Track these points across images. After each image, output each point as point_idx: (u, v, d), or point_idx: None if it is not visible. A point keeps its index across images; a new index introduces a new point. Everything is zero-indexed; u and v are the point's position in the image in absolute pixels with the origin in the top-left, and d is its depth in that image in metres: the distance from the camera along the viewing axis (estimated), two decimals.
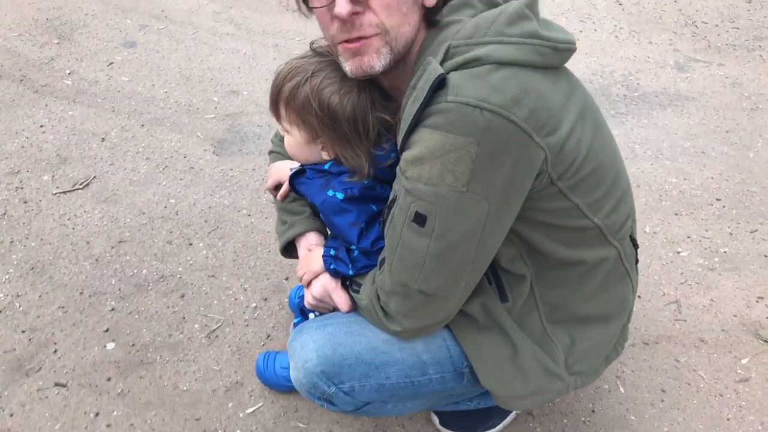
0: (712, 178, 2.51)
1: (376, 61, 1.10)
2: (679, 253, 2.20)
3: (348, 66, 1.13)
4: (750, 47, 3.30)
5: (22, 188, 2.46)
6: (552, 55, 1.06)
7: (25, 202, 2.40)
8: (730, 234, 2.27)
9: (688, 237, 2.26)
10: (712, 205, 2.39)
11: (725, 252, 2.20)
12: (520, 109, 0.99)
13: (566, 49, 1.08)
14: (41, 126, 2.77)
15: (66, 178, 2.50)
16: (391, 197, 1.15)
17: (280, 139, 1.56)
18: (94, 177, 2.51)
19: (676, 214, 2.35)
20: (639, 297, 2.03)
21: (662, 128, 2.78)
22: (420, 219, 1.06)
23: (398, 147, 1.14)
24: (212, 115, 2.85)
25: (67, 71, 3.10)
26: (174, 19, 3.52)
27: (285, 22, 3.51)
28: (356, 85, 1.22)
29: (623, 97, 2.96)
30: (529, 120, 0.99)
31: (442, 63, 1.04)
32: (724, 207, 2.38)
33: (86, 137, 2.71)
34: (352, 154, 1.25)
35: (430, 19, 1.14)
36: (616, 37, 3.38)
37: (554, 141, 1.03)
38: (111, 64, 3.16)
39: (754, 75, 3.10)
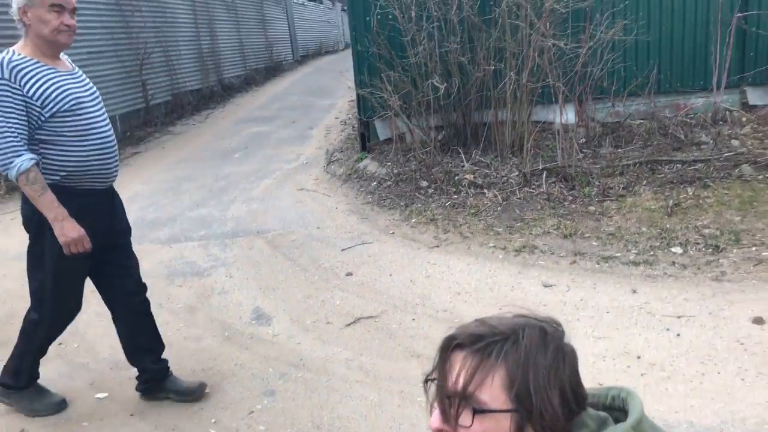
0: None
1: None
2: None
3: None
4: None
5: None
6: None
7: None
8: None
9: None
10: None
11: None
12: None
13: None
14: None
15: None
16: None
17: None
18: None
19: None
20: None
21: None
22: None
23: None
24: None
25: (213, 420, 3.43)
26: (310, 367, 3.89)
27: (410, 368, 3.77)
28: None
29: None
30: None
31: None
32: None
33: None
34: None
35: None
36: (743, 380, 3.32)
37: None
38: (251, 413, 3.47)
39: None
